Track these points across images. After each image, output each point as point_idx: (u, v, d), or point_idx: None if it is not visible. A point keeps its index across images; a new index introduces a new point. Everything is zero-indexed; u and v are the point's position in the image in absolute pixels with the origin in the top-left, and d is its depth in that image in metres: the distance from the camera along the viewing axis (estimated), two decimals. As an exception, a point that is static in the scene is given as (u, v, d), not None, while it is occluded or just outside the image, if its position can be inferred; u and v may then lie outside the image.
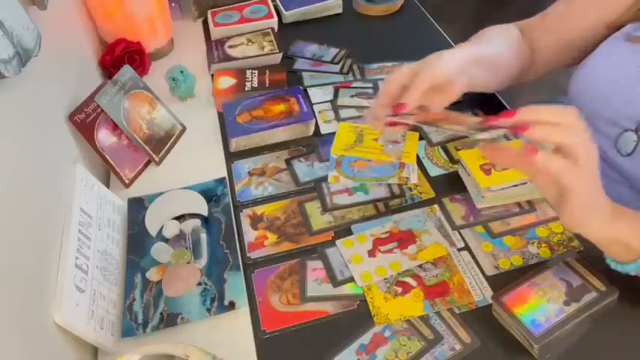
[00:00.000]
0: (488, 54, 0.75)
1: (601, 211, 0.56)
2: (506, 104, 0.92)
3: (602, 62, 0.76)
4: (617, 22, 0.76)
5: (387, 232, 0.74)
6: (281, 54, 1.07)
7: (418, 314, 0.65)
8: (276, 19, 1.17)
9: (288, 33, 1.15)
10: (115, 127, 0.84)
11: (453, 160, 0.83)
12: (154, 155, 0.88)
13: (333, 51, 1.08)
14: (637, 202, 0.73)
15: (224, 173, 0.85)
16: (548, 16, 0.86)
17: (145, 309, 0.67)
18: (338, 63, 1.05)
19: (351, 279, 0.69)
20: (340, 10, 1.22)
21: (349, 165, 0.83)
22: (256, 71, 1.01)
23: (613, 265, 0.61)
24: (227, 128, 0.89)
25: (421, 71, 0.64)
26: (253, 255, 0.73)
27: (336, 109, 0.95)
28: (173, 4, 1.20)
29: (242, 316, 0.67)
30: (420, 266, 0.70)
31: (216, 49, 1.09)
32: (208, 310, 0.66)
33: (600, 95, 0.74)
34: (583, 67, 0.78)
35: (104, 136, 0.83)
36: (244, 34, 1.12)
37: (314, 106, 0.95)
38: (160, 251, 0.73)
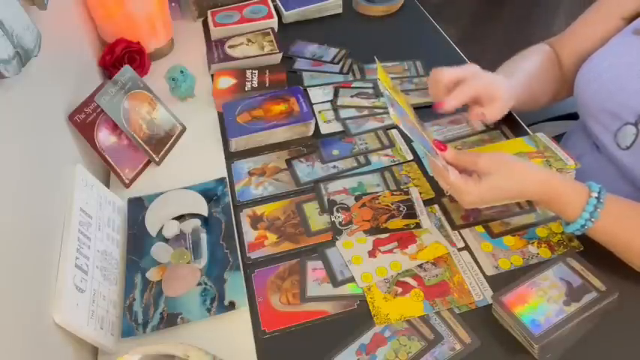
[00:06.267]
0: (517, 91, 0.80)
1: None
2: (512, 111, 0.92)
3: (608, 56, 0.76)
4: (632, 15, 0.77)
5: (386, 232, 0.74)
6: (281, 54, 1.07)
7: (418, 314, 0.65)
8: (276, 19, 1.17)
9: (288, 33, 1.15)
10: (115, 127, 0.84)
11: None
12: (154, 155, 0.88)
13: (333, 51, 1.08)
14: (636, 197, 0.73)
15: (224, 173, 0.85)
16: (564, 34, 0.89)
17: (145, 309, 0.67)
18: (338, 63, 1.05)
19: (352, 279, 0.69)
20: (340, 10, 1.22)
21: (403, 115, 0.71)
22: (256, 71, 1.01)
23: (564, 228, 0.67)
24: (227, 128, 0.89)
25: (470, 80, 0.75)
26: (253, 255, 0.73)
27: (336, 109, 0.95)
28: (173, 4, 1.20)
29: (242, 316, 0.67)
30: (420, 266, 0.70)
31: (216, 49, 1.09)
32: (208, 310, 0.66)
33: (605, 88, 0.74)
34: (590, 60, 0.79)
35: (104, 136, 0.83)
36: (244, 34, 1.12)
37: (314, 106, 0.95)
38: (160, 251, 0.73)
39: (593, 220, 0.63)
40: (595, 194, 0.63)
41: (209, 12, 1.19)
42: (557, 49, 0.88)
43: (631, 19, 0.77)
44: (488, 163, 0.65)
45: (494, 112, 0.76)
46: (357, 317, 0.65)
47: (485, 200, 0.66)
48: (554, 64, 0.87)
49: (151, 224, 0.76)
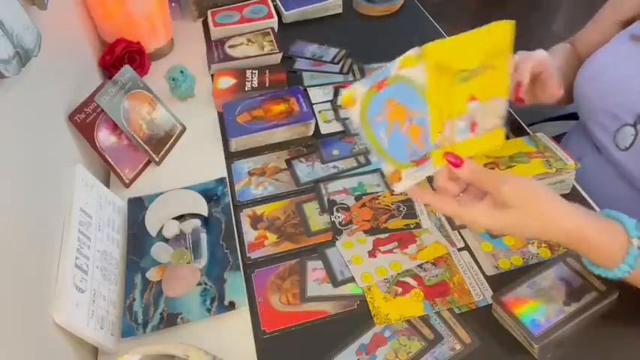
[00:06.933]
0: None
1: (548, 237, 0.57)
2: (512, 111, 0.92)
3: (606, 58, 0.78)
4: (628, 20, 0.79)
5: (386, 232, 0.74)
6: (281, 54, 1.07)
7: (418, 314, 0.65)
8: (276, 19, 1.17)
9: (288, 33, 1.15)
10: (115, 127, 0.84)
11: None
12: (154, 155, 0.88)
13: (333, 51, 1.08)
14: (633, 195, 0.74)
15: (224, 173, 0.85)
16: (575, 39, 0.90)
17: (145, 309, 0.67)
18: (338, 63, 1.05)
19: (352, 279, 0.69)
20: (340, 10, 1.22)
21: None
22: (256, 71, 1.01)
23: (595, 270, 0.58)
24: (227, 128, 0.89)
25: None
26: (253, 255, 0.73)
27: (336, 109, 0.95)
28: (173, 4, 1.20)
29: (242, 316, 0.67)
30: (420, 266, 0.70)
31: (216, 49, 1.09)
32: (208, 310, 0.66)
33: (602, 89, 0.75)
34: (589, 61, 0.80)
35: (104, 136, 0.83)
36: (244, 34, 1.12)
37: (314, 106, 0.95)
38: (160, 251, 0.73)
39: (631, 271, 0.54)
40: (637, 242, 0.53)
41: (209, 12, 1.19)
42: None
43: (626, 23, 0.79)
44: (512, 195, 0.53)
45: (557, 83, 0.70)
46: (357, 317, 0.65)
47: (494, 230, 0.57)
48: (575, 57, 0.88)
49: (151, 224, 0.76)
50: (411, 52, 0.52)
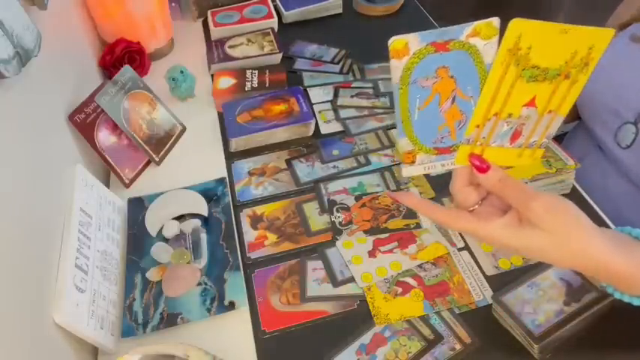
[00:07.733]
0: None
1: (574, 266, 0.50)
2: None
3: (606, 58, 0.78)
4: (627, 22, 0.80)
5: (386, 232, 0.74)
6: (281, 54, 1.07)
7: (418, 314, 0.65)
8: (276, 19, 1.17)
9: (288, 33, 1.15)
10: (115, 127, 0.84)
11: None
12: (154, 155, 0.88)
13: (333, 51, 1.08)
14: (635, 195, 0.74)
15: (224, 173, 0.85)
16: None
17: (145, 309, 0.67)
18: (338, 63, 1.05)
19: (351, 279, 0.69)
20: (340, 10, 1.23)
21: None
22: (256, 71, 1.01)
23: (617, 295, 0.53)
24: (227, 128, 0.89)
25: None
26: (253, 255, 0.73)
27: (336, 109, 0.95)
28: (173, 4, 1.20)
29: (242, 316, 0.67)
30: (420, 266, 0.70)
31: (216, 49, 1.09)
32: (208, 310, 0.66)
33: (604, 86, 0.76)
34: None
35: (104, 136, 0.83)
36: (244, 34, 1.12)
37: (314, 106, 0.95)
38: (160, 251, 0.73)
39: None
40: None
41: (209, 12, 1.19)
42: None
43: (624, 26, 0.80)
44: (543, 215, 0.46)
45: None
46: (357, 317, 0.65)
47: (513, 251, 0.50)
48: None
49: (151, 224, 0.76)
50: (493, 21, 0.44)
